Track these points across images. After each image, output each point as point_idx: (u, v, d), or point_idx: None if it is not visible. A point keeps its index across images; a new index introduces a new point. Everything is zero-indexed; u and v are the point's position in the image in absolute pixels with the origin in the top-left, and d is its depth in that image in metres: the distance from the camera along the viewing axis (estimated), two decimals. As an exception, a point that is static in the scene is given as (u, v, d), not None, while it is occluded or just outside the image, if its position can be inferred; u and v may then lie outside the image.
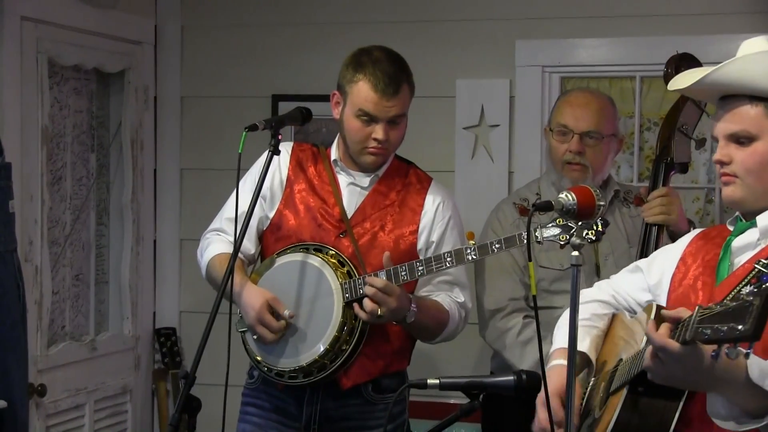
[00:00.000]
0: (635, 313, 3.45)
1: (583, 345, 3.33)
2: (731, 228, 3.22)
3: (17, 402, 5.19)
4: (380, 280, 4.22)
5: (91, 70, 6.24)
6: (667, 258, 3.41)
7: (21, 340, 5.30)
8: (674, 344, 2.66)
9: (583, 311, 3.37)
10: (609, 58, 6.11)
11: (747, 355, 2.57)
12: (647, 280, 3.43)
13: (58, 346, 5.94)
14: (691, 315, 2.63)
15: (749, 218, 3.16)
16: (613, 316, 3.51)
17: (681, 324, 2.67)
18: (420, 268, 4.28)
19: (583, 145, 4.90)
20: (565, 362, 3.17)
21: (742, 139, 3.07)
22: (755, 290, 2.48)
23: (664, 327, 2.71)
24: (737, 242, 3.16)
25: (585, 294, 3.50)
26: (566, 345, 3.13)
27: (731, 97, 3.10)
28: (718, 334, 2.52)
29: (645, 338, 3.04)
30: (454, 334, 4.66)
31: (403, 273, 4.29)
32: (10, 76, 5.45)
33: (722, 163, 3.11)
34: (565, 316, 3.43)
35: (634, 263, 3.58)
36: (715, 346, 2.59)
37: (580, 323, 3.27)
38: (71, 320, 6.18)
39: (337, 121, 4.62)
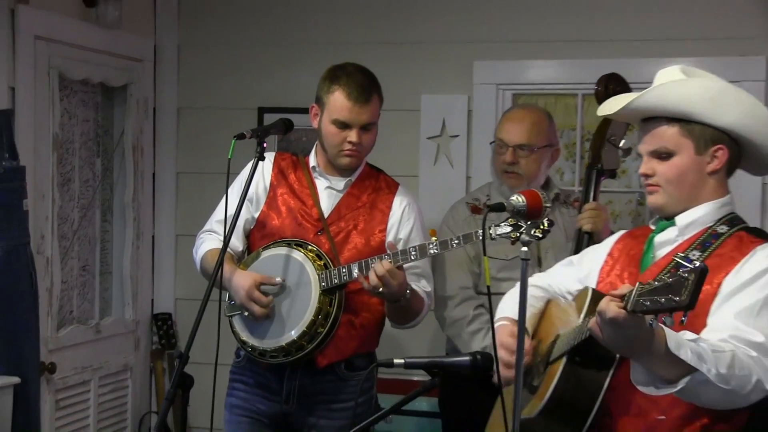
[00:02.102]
0: (568, 299, 3.55)
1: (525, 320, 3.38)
2: (653, 227, 3.38)
3: (30, 378, 5.23)
4: (388, 264, 4.23)
5: (97, 84, 6.26)
6: (596, 254, 3.56)
7: (33, 323, 5.36)
8: (622, 313, 2.73)
9: (514, 295, 3.39)
10: (555, 78, 6.17)
11: (682, 322, 2.67)
12: (579, 272, 3.56)
13: (67, 328, 5.96)
14: (632, 290, 2.73)
15: (669, 219, 3.32)
16: (549, 302, 3.59)
17: (624, 298, 2.74)
18: (388, 260, 4.29)
19: (516, 157, 4.96)
20: (508, 323, 3.44)
21: (662, 155, 3.23)
22: (689, 268, 2.59)
23: (614, 301, 2.77)
24: (658, 238, 3.34)
25: (524, 282, 3.55)
26: (511, 314, 3.45)
27: (651, 119, 3.25)
28: (656, 304, 2.64)
29: (582, 315, 3.21)
30: (420, 320, 4.70)
31: (373, 264, 4.30)
32: (24, 89, 5.47)
33: (647, 176, 3.27)
34: (510, 291, 3.64)
35: (568, 258, 3.70)
36: (652, 316, 2.70)
37: (515, 300, 3.32)
38: (78, 306, 6.20)
39: (315, 130, 4.66)
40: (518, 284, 3.49)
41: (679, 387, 2.86)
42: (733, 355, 2.90)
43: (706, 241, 3.22)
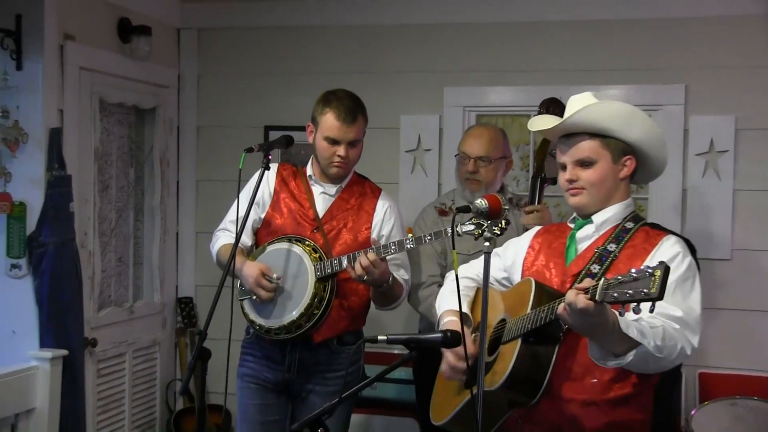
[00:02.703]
0: (497, 285, 3.57)
1: (463, 307, 3.35)
2: (572, 225, 3.43)
3: (75, 351, 5.28)
4: (373, 255, 4.23)
5: (131, 107, 6.25)
6: (517, 247, 3.57)
7: (78, 305, 5.40)
8: (591, 304, 2.75)
9: (451, 287, 3.48)
10: (511, 101, 6.14)
11: (651, 310, 2.71)
12: (503, 262, 3.57)
13: (106, 310, 5.96)
14: (597, 284, 2.76)
15: (586, 218, 3.36)
16: (478, 290, 3.58)
17: (591, 290, 2.77)
18: (365, 254, 4.28)
19: (477, 167, 4.95)
20: (454, 318, 3.38)
21: (585, 163, 3.28)
22: (654, 265, 2.64)
23: (581, 294, 2.79)
24: (579, 234, 3.39)
25: (451, 277, 3.59)
26: (451, 308, 3.48)
27: (572, 134, 3.30)
28: (625, 296, 2.67)
29: (530, 305, 3.19)
30: (400, 303, 4.69)
31: (360, 254, 4.29)
32: (70, 111, 5.48)
33: (572, 181, 3.30)
34: (443, 288, 3.68)
35: (496, 249, 3.65)
36: (619, 307, 2.75)
37: (453, 293, 3.35)
38: (115, 291, 6.18)
39: (311, 145, 4.62)
40: (447, 278, 3.57)
41: (627, 360, 2.93)
42: (664, 329, 2.98)
43: (618, 235, 3.28)
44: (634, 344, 2.90)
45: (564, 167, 3.34)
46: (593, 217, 3.33)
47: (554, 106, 4.86)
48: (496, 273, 3.58)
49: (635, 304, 2.68)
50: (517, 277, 3.50)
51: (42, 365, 5.05)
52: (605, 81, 5.87)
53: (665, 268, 2.63)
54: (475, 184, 4.98)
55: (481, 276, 3.45)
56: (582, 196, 3.30)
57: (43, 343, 5.19)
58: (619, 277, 2.73)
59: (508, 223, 3.39)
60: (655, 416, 3.21)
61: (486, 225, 3.20)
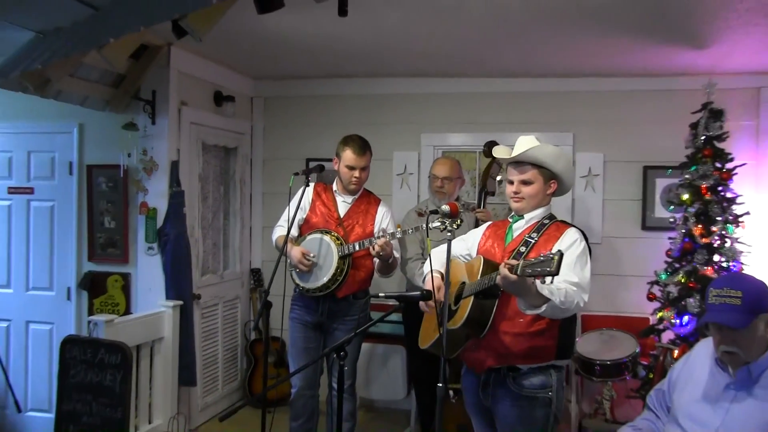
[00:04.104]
0: (462, 259, 3.48)
1: (442, 270, 3.34)
2: (511, 220, 3.36)
3: (187, 302, 5.28)
4: (384, 240, 4.20)
5: (221, 147, 6.18)
6: (476, 235, 3.50)
7: (189, 273, 5.36)
8: (514, 276, 2.76)
9: (439, 255, 3.46)
10: (463, 142, 6.08)
11: (552, 281, 2.83)
12: (466, 244, 3.49)
13: (206, 276, 5.90)
14: (519, 263, 2.76)
15: (521, 216, 3.32)
16: (453, 260, 3.55)
17: (514, 267, 2.76)
18: (375, 239, 4.27)
19: (442, 183, 4.95)
20: (438, 275, 3.30)
21: (526, 182, 3.25)
22: (554, 252, 2.66)
23: (508, 267, 2.79)
24: (515, 226, 3.34)
25: (436, 251, 3.53)
26: (437, 267, 3.38)
27: (521, 162, 3.25)
28: (535, 271, 2.69)
29: (480, 274, 3.14)
30: (394, 273, 4.62)
31: (366, 241, 4.29)
32: (184, 149, 5.43)
33: (516, 193, 3.27)
34: (434, 251, 3.52)
35: (462, 236, 3.60)
36: (532, 279, 2.80)
37: (438, 261, 3.42)
38: (212, 264, 6.11)
39: (336, 170, 4.56)
40: (441, 246, 3.50)
41: (542, 309, 2.93)
42: (566, 290, 2.95)
43: (539, 228, 3.24)
44: (546, 300, 2.89)
45: (512, 182, 3.29)
46: (525, 216, 3.30)
47: (493, 146, 4.84)
48: (462, 251, 3.49)
49: (541, 277, 2.73)
50: (474, 254, 3.43)
51: (167, 310, 5.04)
52: (523, 130, 5.71)
53: (560, 254, 2.66)
54: (441, 195, 4.96)
55: (455, 252, 3.47)
56: (522, 202, 3.27)
57: (168, 296, 5.19)
58: (533, 259, 2.73)
59: (462, 221, 3.39)
60: (559, 342, 3.19)
61: (447, 222, 3.21)
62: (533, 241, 3.20)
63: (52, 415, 4.20)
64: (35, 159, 5.61)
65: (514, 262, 2.81)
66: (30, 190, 5.63)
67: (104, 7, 3.83)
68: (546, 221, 3.28)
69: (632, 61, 5.21)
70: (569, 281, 3.01)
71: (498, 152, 3.44)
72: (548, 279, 2.86)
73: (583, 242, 3.16)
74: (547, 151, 3.23)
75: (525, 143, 3.25)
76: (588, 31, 4.49)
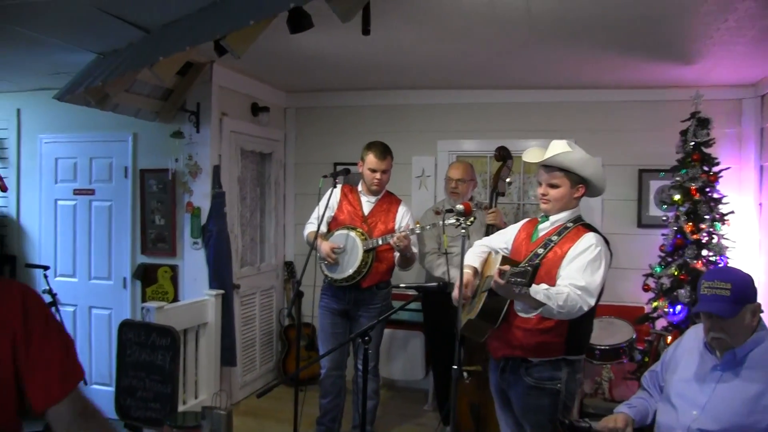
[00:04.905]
0: (498, 252, 3.44)
1: (476, 264, 3.27)
2: (540, 219, 3.23)
3: (228, 291, 5.25)
4: (404, 234, 4.18)
5: (258, 152, 6.18)
6: (512, 230, 3.36)
7: (229, 265, 5.38)
8: (502, 282, 2.68)
9: (475, 250, 3.38)
10: (476, 148, 6.04)
11: (527, 290, 2.69)
12: (503, 237, 3.36)
13: (244, 268, 5.91)
14: (509, 270, 2.69)
15: (547, 216, 3.20)
16: (489, 253, 3.46)
17: (504, 274, 2.68)
18: (395, 235, 4.24)
19: (457, 185, 4.87)
20: (469, 270, 3.22)
21: (555, 185, 3.11)
22: (530, 263, 2.68)
23: (499, 274, 2.72)
24: (540, 227, 3.21)
25: (477, 243, 3.43)
26: (470, 263, 3.26)
27: (550, 165, 3.11)
28: (516, 280, 2.64)
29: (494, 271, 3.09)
30: (412, 267, 4.57)
31: (388, 236, 4.29)
32: (225, 155, 5.45)
33: (544, 195, 3.15)
34: (470, 249, 3.42)
35: (500, 231, 3.48)
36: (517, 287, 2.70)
37: (474, 254, 3.35)
38: (250, 257, 6.13)
39: (361, 172, 4.55)
40: (476, 244, 3.44)
41: (537, 312, 2.88)
42: (568, 294, 2.85)
43: (561, 231, 3.10)
44: (541, 304, 2.81)
45: (540, 184, 3.16)
46: (550, 218, 3.17)
47: (504, 152, 4.82)
48: (500, 244, 3.36)
49: (519, 286, 2.67)
50: (510, 248, 3.31)
51: (210, 298, 5.03)
52: (529, 137, 5.80)
53: (535, 267, 2.65)
54: (455, 195, 4.89)
55: (491, 245, 3.38)
56: (548, 204, 3.14)
57: (211, 286, 5.19)
58: (516, 268, 2.68)
59: (474, 218, 3.38)
60: (568, 339, 3.04)
61: (462, 220, 3.19)
62: (552, 244, 3.08)
63: (112, 389, 4.25)
64: (96, 164, 5.69)
65: (505, 268, 2.72)
66: (92, 192, 5.70)
67: (155, 31, 3.88)
68: (570, 224, 3.14)
69: (627, 74, 5.19)
70: (575, 285, 2.89)
71: (529, 155, 3.28)
72: (558, 281, 2.80)
73: (599, 248, 2.99)
74: (574, 157, 3.08)
75: (556, 148, 3.10)
76: (585, 48, 4.48)
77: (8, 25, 3.84)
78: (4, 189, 4.73)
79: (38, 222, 5.81)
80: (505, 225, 4.22)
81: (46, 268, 5.28)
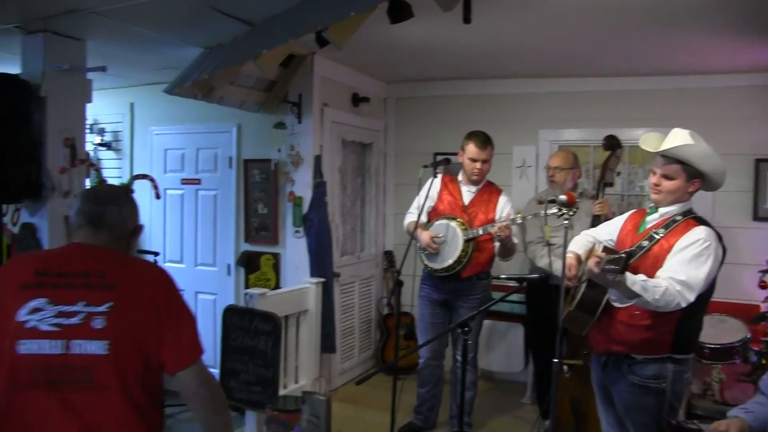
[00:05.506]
0: (601, 243, 3.34)
1: (580, 251, 3.20)
2: (648, 210, 3.12)
3: (329, 279, 5.34)
4: (505, 224, 4.15)
5: (358, 142, 6.25)
6: (618, 221, 3.27)
7: (330, 254, 5.44)
8: (597, 270, 2.69)
9: (581, 239, 3.31)
10: (578, 137, 5.92)
11: (621, 278, 2.68)
12: (609, 228, 3.27)
13: (345, 256, 5.99)
14: (605, 258, 2.69)
15: (656, 207, 3.09)
16: (594, 243, 3.41)
17: (600, 262, 2.69)
18: (496, 225, 4.21)
19: (554, 173, 4.75)
20: (572, 255, 3.16)
21: (669, 177, 2.97)
22: (626, 251, 2.65)
23: (594, 260, 2.73)
24: (648, 219, 3.09)
25: (583, 233, 3.37)
26: (575, 249, 3.22)
27: (668, 156, 2.96)
28: (611, 267, 2.64)
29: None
30: (512, 257, 4.48)
31: (489, 226, 4.27)
32: (326, 145, 5.52)
33: (656, 185, 3.02)
34: (576, 237, 3.37)
35: (605, 223, 3.41)
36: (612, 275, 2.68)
37: (580, 243, 3.30)
38: (350, 246, 6.21)
39: (461, 162, 4.54)
40: (581, 233, 3.38)
41: (632, 302, 2.86)
42: (666, 288, 2.78)
43: (668, 224, 2.98)
44: (637, 295, 2.76)
45: (654, 173, 3.03)
46: (659, 210, 3.04)
47: (612, 140, 4.67)
48: (605, 236, 3.27)
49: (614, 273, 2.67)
50: (615, 239, 3.24)
51: (311, 286, 5.03)
52: (634, 125, 5.62)
53: (629, 255, 2.66)
54: (553, 184, 4.80)
55: (596, 236, 3.33)
56: (660, 195, 3.01)
57: (312, 274, 5.26)
58: (612, 256, 2.68)
59: (577, 209, 3.30)
60: (675, 337, 2.92)
61: (564, 210, 3.13)
62: (658, 237, 2.97)
63: (217, 371, 4.38)
64: (202, 155, 5.92)
65: (602, 255, 2.69)
66: (198, 181, 5.94)
67: (258, 24, 3.98)
68: (678, 217, 3.00)
69: (740, 58, 4.91)
70: (675, 279, 2.79)
71: (647, 142, 3.12)
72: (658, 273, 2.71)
73: (708, 243, 2.85)
74: (695, 151, 2.92)
75: (676, 138, 2.96)
76: (694, 31, 4.27)
77: (124, 24, 4.05)
78: (158, 196, 5.00)
79: (149, 210, 6.07)
80: (612, 215, 4.10)
81: (156, 254, 5.52)
